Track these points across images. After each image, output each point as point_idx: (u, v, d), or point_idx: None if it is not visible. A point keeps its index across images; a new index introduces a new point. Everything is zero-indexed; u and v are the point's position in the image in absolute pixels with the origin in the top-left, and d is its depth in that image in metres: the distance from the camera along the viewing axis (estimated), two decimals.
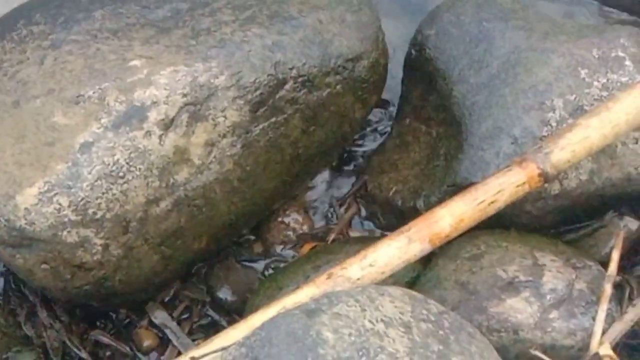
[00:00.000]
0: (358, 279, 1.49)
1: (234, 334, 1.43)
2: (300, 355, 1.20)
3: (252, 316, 1.46)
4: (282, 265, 1.83)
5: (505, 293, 1.62)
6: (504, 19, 1.86)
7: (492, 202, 1.57)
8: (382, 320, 1.30)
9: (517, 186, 1.58)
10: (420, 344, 1.29)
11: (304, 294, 1.46)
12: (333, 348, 1.22)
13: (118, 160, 1.57)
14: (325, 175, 1.93)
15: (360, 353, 1.23)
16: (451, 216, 1.56)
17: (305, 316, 1.26)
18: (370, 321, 1.29)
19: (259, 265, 1.85)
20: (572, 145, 1.61)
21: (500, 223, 1.75)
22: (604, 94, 1.74)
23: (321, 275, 1.50)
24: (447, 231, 1.56)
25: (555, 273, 1.64)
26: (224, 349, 1.34)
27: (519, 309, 1.59)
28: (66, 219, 1.54)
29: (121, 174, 1.57)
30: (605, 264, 1.67)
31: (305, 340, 1.22)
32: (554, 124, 1.72)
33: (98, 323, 1.77)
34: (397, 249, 1.52)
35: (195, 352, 1.40)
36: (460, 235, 1.65)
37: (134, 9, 1.74)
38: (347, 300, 1.32)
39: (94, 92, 1.60)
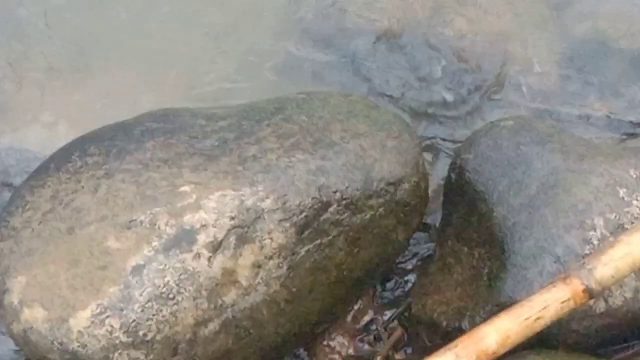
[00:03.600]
0: None
1: None
2: None
3: None
4: None
5: None
6: (540, 143, 1.91)
7: (537, 319, 1.58)
8: None
9: (562, 302, 1.59)
10: None
11: None
12: None
13: (168, 282, 1.61)
14: (369, 297, 1.95)
15: None
16: (497, 333, 1.57)
17: None
18: None
19: None
20: (615, 261, 1.62)
21: (547, 343, 1.75)
22: None
23: None
24: (494, 348, 1.56)
25: None
26: None
27: None
28: (117, 341, 1.57)
29: (171, 295, 1.60)
30: None
31: None
32: (595, 242, 1.74)
33: None
34: None
35: None
36: (507, 354, 1.65)
37: (183, 139, 1.81)
38: None
39: (145, 217, 1.66)
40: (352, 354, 1.89)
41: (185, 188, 1.70)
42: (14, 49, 2.27)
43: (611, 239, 1.72)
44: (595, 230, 1.75)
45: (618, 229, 1.74)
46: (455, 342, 1.56)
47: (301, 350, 1.87)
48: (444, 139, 2.20)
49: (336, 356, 1.88)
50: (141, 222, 1.66)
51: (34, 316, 1.60)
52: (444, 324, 1.88)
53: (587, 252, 1.73)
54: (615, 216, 1.76)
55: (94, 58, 2.28)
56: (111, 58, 2.29)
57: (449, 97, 2.29)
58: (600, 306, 1.73)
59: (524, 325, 1.57)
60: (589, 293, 1.61)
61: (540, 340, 1.72)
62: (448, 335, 1.82)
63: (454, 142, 2.17)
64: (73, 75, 2.26)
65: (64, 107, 2.21)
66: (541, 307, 1.58)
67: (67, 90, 2.24)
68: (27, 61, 2.25)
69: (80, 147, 1.83)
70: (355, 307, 1.94)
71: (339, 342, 1.89)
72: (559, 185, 1.82)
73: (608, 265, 1.61)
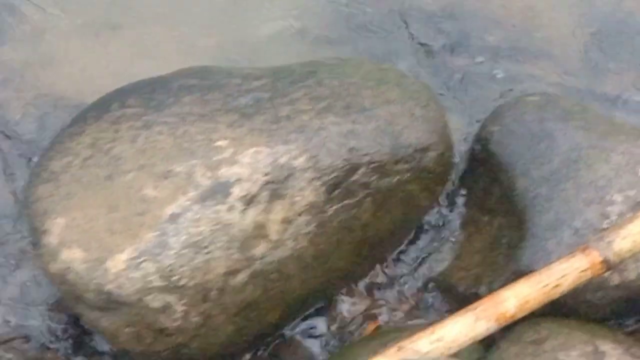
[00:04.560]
0: (426, 352, 1.56)
1: None
2: None
3: None
4: (346, 343, 1.89)
5: None
6: (564, 119, 1.96)
7: (556, 286, 1.64)
8: None
9: (580, 272, 1.65)
10: None
11: None
12: None
13: (202, 231, 1.67)
14: (391, 259, 2.01)
15: None
16: (516, 298, 1.63)
17: None
18: None
19: (326, 342, 1.91)
20: (633, 236, 1.68)
21: (561, 311, 1.81)
22: None
23: (391, 348, 1.56)
24: (512, 312, 1.62)
25: None
26: None
27: None
28: (152, 285, 1.64)
29: (205, 244, 1.67)
30: None
31: None
32: (613, 217, 1.80)
33: None
34: (464, 326, 1.59)
35: None
36: (523, 320, 1.72)
37: (219, 97, 1.87)
38: None
39: (182, 168, 1.72)
40: (370, 312, 1.95)
41: (221, 143, 1.76)
42: (53, 5, 2.31)
43: (629, 215, 1.77)
44: (614, 205, 1.81)
45: (637, 206, 1.80)
46: (476, 304, 1.62)
47: (324, 305, 1.93)
48: (469, 111, 2.24)
49: (356, 313, 1.94)
50: (178, 172, 1.72)
51: (72, 257, 1.66)
52: (462, 289, 1.95)
53: (605, 226, 1.79)
54: (635, 193, 1.82)
55: (129, 16, 2.32)
56: (145, 16, 2.33)
57: (476, 69, 2.33)
58: (615, 279, 1.79)
59: (543, 291, 1.64)
60: (607, 265, 1.67)
61: (554, 308, 1.79)
62: (465, 300, 1.89)
63: (479, 114, 2.21)
64: (108, 31, 2.30)
65: (98, 61, 2.25)
66: (560, 275, 1.64)
67: (101, 45, 2.28)
68: (65, 17, 2.29)
69: (119, 98, 1.89)
70: (378, 267, 2.00)
71: (360, 300, 1.95)
72: (581, 160, 1.88)
73: (626, 239, 1.67)
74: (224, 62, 2.13)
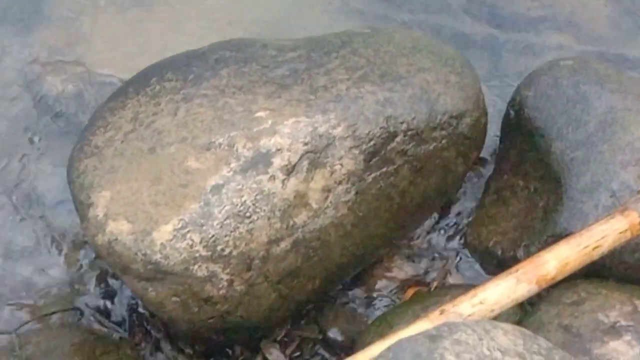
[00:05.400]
0: (469, 315, 1.58)
1: None
2: None
3: (369, 347, 1.56)
4: (386, 308, 1.93)
5: (607, 336, 1.69)
6: (599, 82, 1.97)
7: (595, 247, 1.66)
8: (498, 349, 1.39)
9: (620, 233, 1.67)
10: None
11: (418, 328, 1.56)
12: None
13: (245, 201, 1.70)
14: (428, 225, 2.04)
15: None
16: (556, 260, 1.65)
17: (428, 340, 1.35)
18: (487, 349, 1.38)
19: (365, 308, 1.94)
20: None
21: (599, 273, 1.83)
22: None
23: (434, 311, 1.59)
24: (553, 274, 1.64)
25: None
26: None
27: (622, 352, 1.66)
28: (197, 254, 1.67)
29: (248, 214, 1.70)
30: None
31: None
32: None
33: (216, 357, 1.87)
34: (506, 289, 1.61)
35: None
36: (561, 282, 1.74)
37: (256, 68, 1.89)
38: (465, 330, 1.41)
39: (224, 140, 1.75)
40: (409, 277, 1.98)
41: (261, 114, 1.78)
42: None
43: None
44: None
45: None
46: (517, 267, 1.64)
47: (364, 271, 1.96)
48: (501, 77, 2.25)
49: (394, 278, 1.97)
50: (220, 144, 1.75)
51: (119, 229, 1.69)
52: (499, 253, 1.97)
53: None
54: None
55: None
56: None
57: (505, 37, 2.34)
58: None
59: (582, 253, 1.66)
60: None
61: (592, 270, 1.81)
62: (502, 264, 1.91)
63: (511, 80, 2.22)
64: (142, 8, 2.32)
65: (134, 38, 2.28)
66: (600, 236, 1.66)
67: (136, 22, 2.31)
68: None
69: (157, 72, 1.92)
70: (415, 233, 2.02)
71: (398, 265, 1.98)
72: (617, 123, 1.89)
73: None
74: (257, 35, 2.16)
